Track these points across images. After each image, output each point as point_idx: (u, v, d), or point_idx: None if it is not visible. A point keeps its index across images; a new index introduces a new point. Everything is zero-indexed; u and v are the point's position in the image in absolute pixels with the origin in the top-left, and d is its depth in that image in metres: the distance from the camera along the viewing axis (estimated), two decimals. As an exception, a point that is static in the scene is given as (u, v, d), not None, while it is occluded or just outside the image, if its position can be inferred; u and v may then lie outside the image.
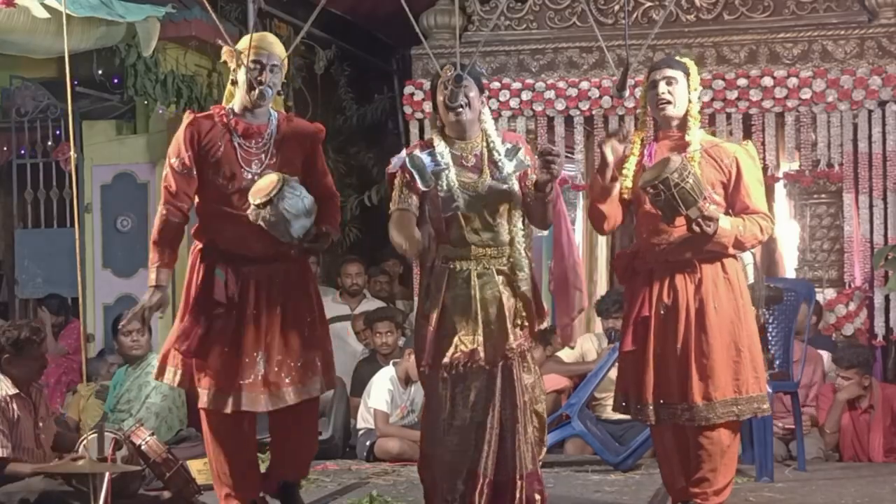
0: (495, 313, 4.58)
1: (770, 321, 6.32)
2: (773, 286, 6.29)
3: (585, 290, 5.48)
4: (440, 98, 4.64)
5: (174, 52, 8.09)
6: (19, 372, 5.47)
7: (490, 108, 5.13)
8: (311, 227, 4.69)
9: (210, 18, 5.42)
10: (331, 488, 6.05)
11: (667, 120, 4.85)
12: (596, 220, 4.93)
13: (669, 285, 4.77)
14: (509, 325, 4.58)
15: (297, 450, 4.97)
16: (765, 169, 7.32)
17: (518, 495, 4.53)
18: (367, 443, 7.07)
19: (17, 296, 8.89)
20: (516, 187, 4.65)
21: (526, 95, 8.29)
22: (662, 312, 4.77)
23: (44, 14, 6.53)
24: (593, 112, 8.20)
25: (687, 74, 4.82)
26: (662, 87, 4.78)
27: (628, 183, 4.85)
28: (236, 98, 4.84)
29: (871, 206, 7.77)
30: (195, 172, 4.75)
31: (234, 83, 4.85)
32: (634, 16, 8.20)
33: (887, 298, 7.74)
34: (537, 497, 4.58)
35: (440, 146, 4.66)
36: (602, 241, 8.77)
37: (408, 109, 8.52)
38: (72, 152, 6.63)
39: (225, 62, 4.90)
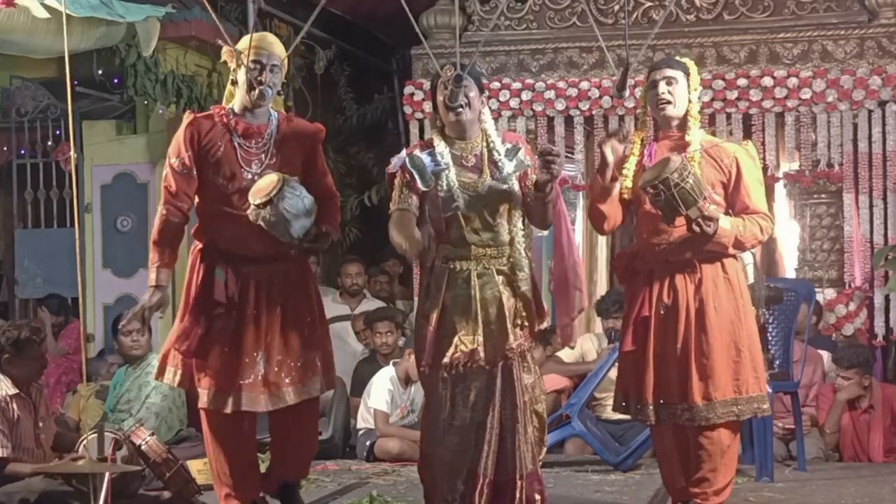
0: (495, 313, 4.58)
1: (770, 321, 6.31)
2: (773, 286, 6.28)
3: (585, 290, 5.47)
4: (440, 98, 4.64)
5: (174, 52, 8.08)
6: (19, 372, 5.47)
7: (490, 108, 5.12)
8: (311, 227, 4.69)
9: (210, 18, 5.42)
10: (331, 488, 6.05)
11: (667, 120, 4.85)
12: (596, 220, 4.92)
13: (669, 285, 4.77)
14: (509, 325, 4.58)
15: (297, 450, 4.97)
16: (765, 169, 7.32)
17: (518, 495, 4.53)
18: (367, 443, 7.06)
19: (17, 296, 8.88)
20: (516, 187, 4.64)
21: (526, 95, 8.28)
22: (662, 312, 4.77)
23: (44, 14, 6.53)
24: (593, 112, 8.20)
25: (687, 74, 4.82)
26: (662, 87, 4.78)
27: (628, 183, 4.84)
28: (236, 98, 4.84)
29: (871, 206, 7.77)
30: (195, 172, 4.75)
31: (234, 83, 4.85)
32: (634, 16, 8.20)
33: (887, 298, 7.74)
34: (537, 497, 4.58)
35: (440, 146, 4.66)
36: (602, 241, 8.77)
37: (408, 109, 8.52)
38: (72, 152, 6.63)
39: (225, 62, 4.90)
